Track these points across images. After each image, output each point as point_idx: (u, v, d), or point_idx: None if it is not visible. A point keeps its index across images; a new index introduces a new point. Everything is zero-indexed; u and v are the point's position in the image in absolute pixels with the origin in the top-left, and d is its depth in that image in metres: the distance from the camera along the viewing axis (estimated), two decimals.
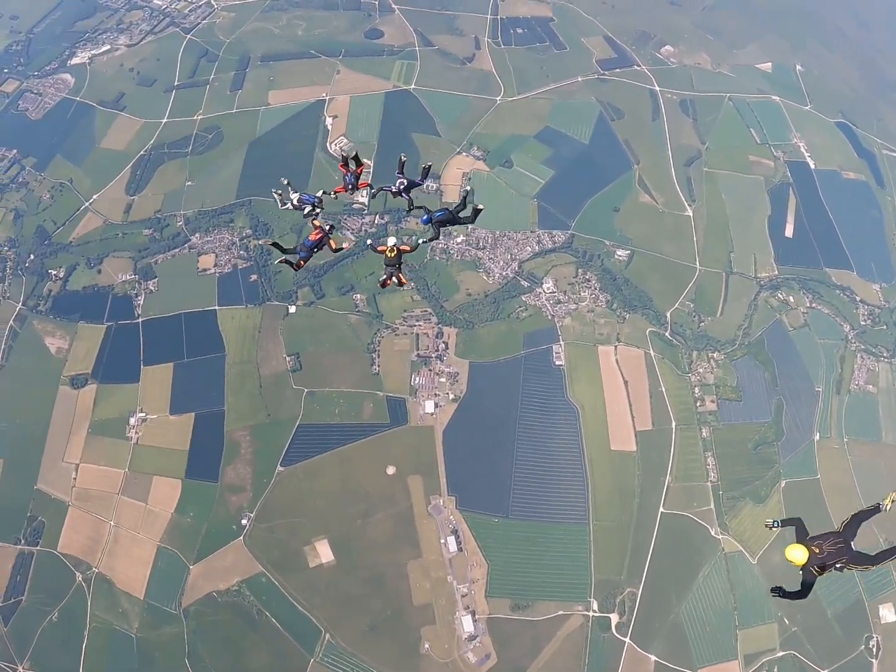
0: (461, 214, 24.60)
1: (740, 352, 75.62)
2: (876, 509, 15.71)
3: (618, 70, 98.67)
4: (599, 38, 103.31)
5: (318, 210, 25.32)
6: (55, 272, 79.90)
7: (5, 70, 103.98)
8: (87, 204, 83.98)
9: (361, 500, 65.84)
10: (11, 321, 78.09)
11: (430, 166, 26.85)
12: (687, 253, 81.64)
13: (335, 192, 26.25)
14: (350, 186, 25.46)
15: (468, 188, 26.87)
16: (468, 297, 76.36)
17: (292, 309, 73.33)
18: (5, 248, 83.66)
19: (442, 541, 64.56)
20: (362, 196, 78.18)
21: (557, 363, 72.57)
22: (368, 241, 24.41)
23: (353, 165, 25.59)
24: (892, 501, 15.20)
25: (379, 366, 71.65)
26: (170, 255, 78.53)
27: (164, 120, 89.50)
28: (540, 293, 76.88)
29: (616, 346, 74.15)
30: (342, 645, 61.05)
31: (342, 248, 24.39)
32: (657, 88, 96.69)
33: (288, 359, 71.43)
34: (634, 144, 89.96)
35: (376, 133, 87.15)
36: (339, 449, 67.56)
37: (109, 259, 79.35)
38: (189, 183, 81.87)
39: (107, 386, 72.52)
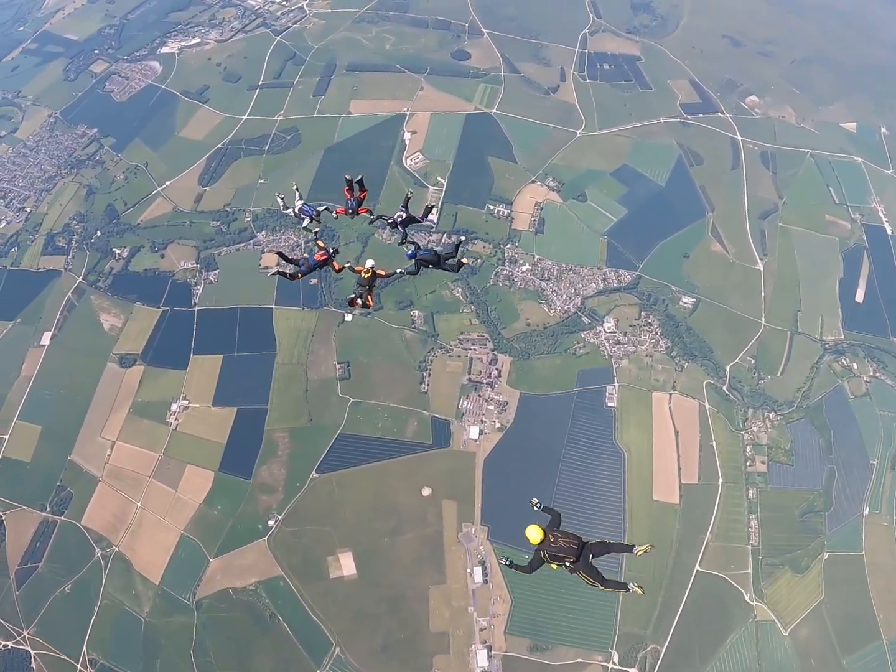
0: (448, 261, 26.57)
1: (797, 414, 76.96)
2: (629, 549, 20.01)
3: (701, 115, 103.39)
4: (685, 82, 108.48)
5: (314, 223, 28.09)
6: (119, 251, 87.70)
7: (96, 51, 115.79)
8: (159, 189, 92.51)
9: (392, 518, 68.89)
10: (70, 293, 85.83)
11: (432, 206, 30.72)
12: (753, 307, 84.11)
13: (336, 213, 28.75)
14: (351, 210, 27.94)
15: (462, 238, 30.44)
16: (527, 326, 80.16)
17: (349, 317, 78.72)
18: (74, 222, 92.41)
19: (468, 570, 66.95)
20: (432, 215, 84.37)
21: (609, 404, 75.27)
22: (347, 263, 27.20)
23: (356, 190, 28.00)
24: (645, 552, 19.25)
25: (428, 385, 75.52)
26: (234, 248, 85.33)
27: (245, 117, 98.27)
28: (600, 331, 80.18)
29: (671, 395, 76.47)
30: (351, 661, 63.48)
31: (352, 269, 26.02)
32: (739, 138, 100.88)
33: (338, 366, 76.15)
34: (711, 191, 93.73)
35: (453, 153, 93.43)
36: (377, 463, 71.19)
37: (174, 245, 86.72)
38: (262, 181, 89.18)
39: (154, 369, 78.58)
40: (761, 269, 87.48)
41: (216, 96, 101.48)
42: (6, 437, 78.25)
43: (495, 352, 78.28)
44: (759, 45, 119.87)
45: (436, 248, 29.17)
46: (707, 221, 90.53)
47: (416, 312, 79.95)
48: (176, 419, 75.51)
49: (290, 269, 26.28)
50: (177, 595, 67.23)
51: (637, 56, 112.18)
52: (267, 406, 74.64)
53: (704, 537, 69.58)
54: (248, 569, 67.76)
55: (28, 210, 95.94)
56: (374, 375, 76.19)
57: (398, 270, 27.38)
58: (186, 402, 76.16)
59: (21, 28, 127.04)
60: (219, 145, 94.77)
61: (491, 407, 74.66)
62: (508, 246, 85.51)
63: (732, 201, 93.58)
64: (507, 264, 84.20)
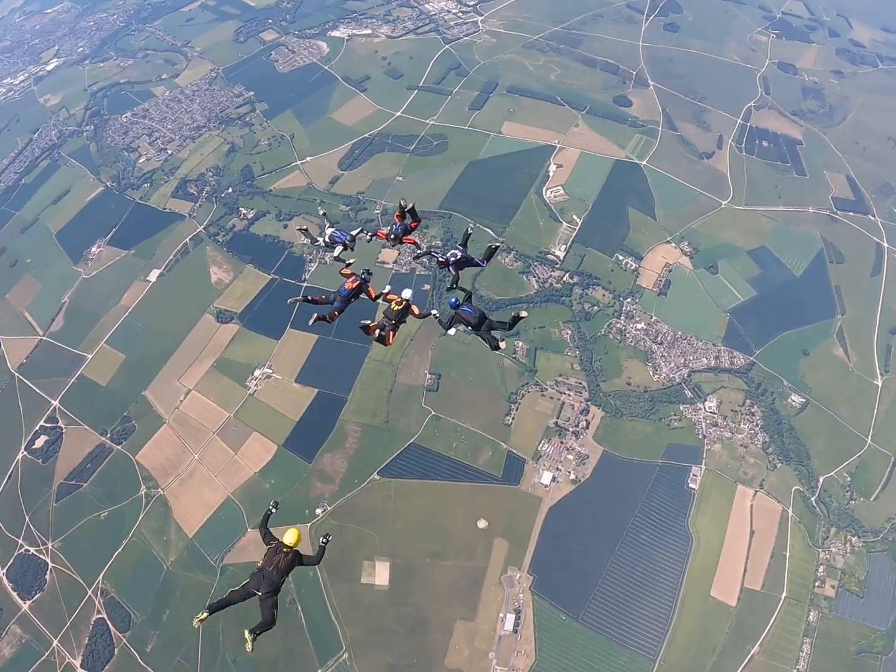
0: (491, 332, 25.72)
1: (881, 546, 76.82)
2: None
3: (851, 213, 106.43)
4: (842, 177, 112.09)
5: (347, 251, 28.95)
6: (245, 211, 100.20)
7: (269, 21, 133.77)
8: (298, 162, 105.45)
9: (440, 540, 73.94)
10: (188, 239, 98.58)
11: (496, 248, 29.55)
12: (862, 423, 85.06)
13: (377, 235, 30.05)
14: (394, 237, 29.11)
15: (524, 314, 27.13)
16: (627, 385, 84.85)
17: (452, 331, 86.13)
18: (210, 174, 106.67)
19: (501, 614, 70.53)
20: (559, 250, 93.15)
21: (691, 486, 78.27)
22: (387, 289, 27.25)
23: (408, 219, 29.39)
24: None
25: (513, 418, 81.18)
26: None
27: (398, 113, 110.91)
28: (700, 409, 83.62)
29: (756, 492, 78.45)
30: (356, 671, 68.13)
31: (384, 296, 26.68)
32: (885, 245, 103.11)
33: (428, 376, 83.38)
34: (845, 293, 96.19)
35: (594, 195, 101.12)
36: (440, 482, 76.91)
37: (299, 218, 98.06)
38: (399, 178, 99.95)
39: (248, 332, 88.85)
40: (879, 384, 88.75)
41: (375, 88, 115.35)
42: (89, 356, 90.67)
43: (589, 402, 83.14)
44: None
45: (486, 314, 26.48)
46: (834, 323, 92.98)
47: (521, 344, 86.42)
48: (256, 385, 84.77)
49: (325, 310, 26.36)
50: (205, 553, 74.44)
51: (798, 140, 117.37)
52: (348, 396, 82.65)
53: (752, 649, 70.43)
54: None
55: (169, 152, 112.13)
56: (461, 394, 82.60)
57: (433, 313, 27.49)
58: (270, 371, 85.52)
59: None
60: (366, 134, 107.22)
61: (570, 456, 79.24)
62: (628, 300, 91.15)
63: (865, 308, 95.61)
64: (622, 318, 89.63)
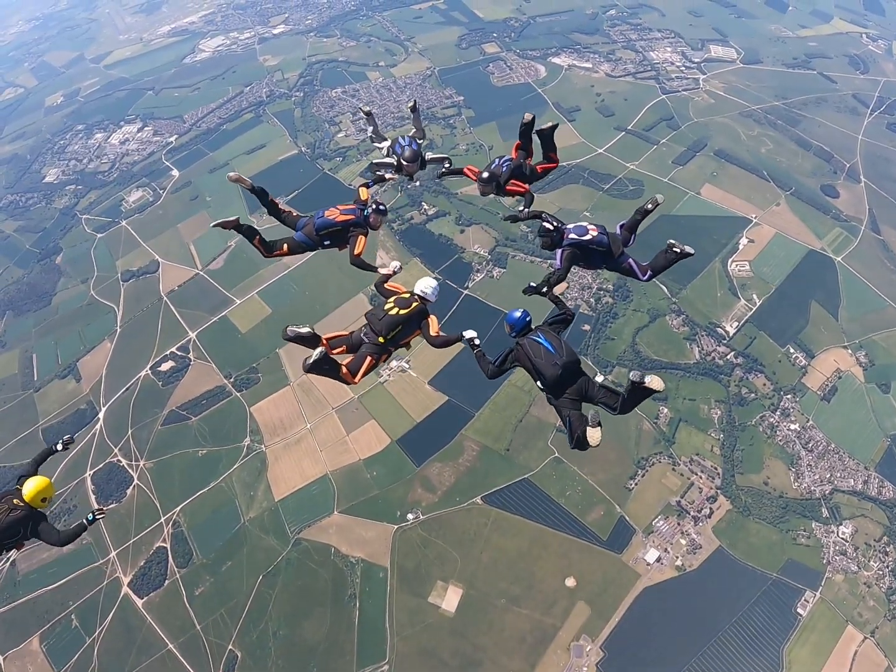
0: (605, 385, 16.14)
1: None
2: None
3: None
4: None
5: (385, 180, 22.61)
6: (427, 207, 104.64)
7: (494, 34, 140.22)
8: (445, 167, 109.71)
9: (521, 585, 71.85)
10: None
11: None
12: None
13: (464, 171, 22.09)
14: (487, 176, 20.57)
15: (658, 387, 14.88)
16: (764, 484, 79.77)
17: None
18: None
19: None
20: (730, 326, 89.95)
21: (799, 611, 71.93)
22: (396, 265, 19.42)
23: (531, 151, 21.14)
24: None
25: (636, 484, 78.52)
26: (530, 258, 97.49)
27: (601, 150, 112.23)
28: (832, 532, 77.16)
29: (865, 638, 70.75)
30: None
31: (384, 280, 18.76)
32: None
33: None
34: None
35: (780, 279, 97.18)
36: (542, 526, 75.05)
37: (477, 227, 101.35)
38: (586, 213, 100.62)
39: None
40: None
41: (583, 120, 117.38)
42: (238, 301, 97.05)
43: (720, 491, 78.94)
44: None
45: (579, 359, 16.07)
46: None
47: (665, 410, 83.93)
48: (388, 376, 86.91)
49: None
50: (285, 521, 76.32)
51: None
52: (476, 413, 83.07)
53: None
54: (363, 542, 74.83)
55: (368, 134, 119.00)
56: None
57: (467, 336, 17.53)
58: (407, 366, 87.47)
59: None
60: (564, 163, 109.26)
61: (683, 541, 75.21)
62: (789, 396, 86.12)
63: None
64: (777, 413, 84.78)
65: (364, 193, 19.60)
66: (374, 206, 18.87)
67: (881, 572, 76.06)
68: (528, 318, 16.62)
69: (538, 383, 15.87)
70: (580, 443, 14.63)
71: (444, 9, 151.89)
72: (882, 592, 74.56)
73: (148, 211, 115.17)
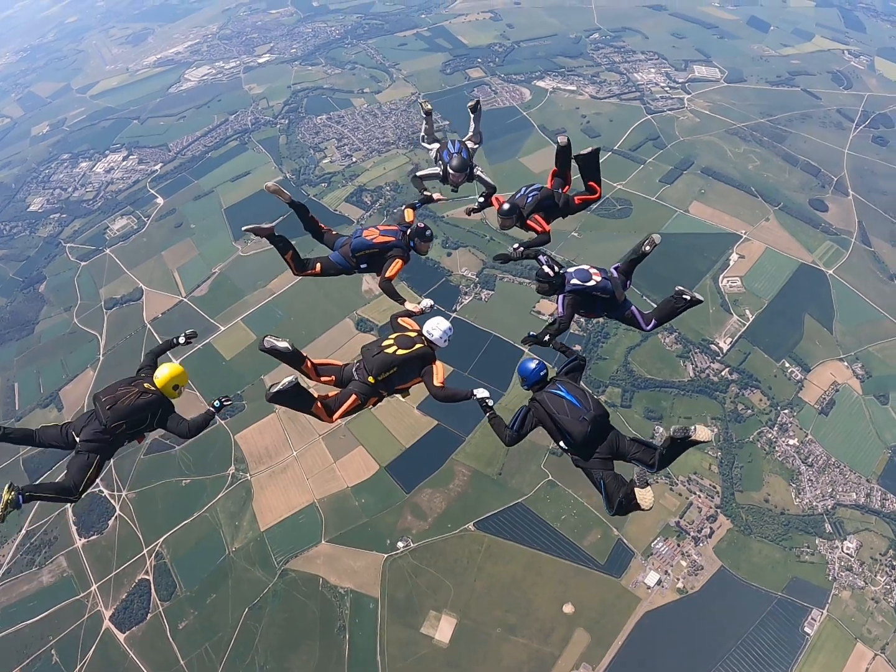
0: (636, 439, 14.33)
1: None
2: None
3: None
4: None
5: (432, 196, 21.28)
6: (421, 226, 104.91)
7: (478, 59, 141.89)
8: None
9: (517, 613, 69.98)
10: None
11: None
12: None
13: (491, 199, 21.61)
14: (509, 209, 19.48)
15: (705, 436, 12.51)
16: (765, 502, 78.67)
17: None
18: (388, 188, 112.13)
19: None
20: (723, 342, 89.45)
21: (806, 630, 70.34)
22: (428, 303, 17.64)
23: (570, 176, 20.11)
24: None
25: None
26: (518, 280, 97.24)
27: None
28: (836, 547, 76.03)
29: (876, 655, 69.09)
30: None
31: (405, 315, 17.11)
32: None
33: None
34: None
35: (772, 294, 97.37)
36: (536, 551, 73.54)
37: (464, 250, 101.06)
38: (574, 234, 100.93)
39: None
40: None
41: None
42: (222, 328, 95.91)
43: (719, 510, 77.77)
44: None
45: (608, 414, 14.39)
46: None
47: (661, 430, 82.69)
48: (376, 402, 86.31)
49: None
50: (271, 551, 74.51)
51: None
52: (466, 437, 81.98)
53: None
54: (352, 572, 73.05)
55: (353, 159, 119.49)
56: None
57: (477, 394, 16.26)
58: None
59: (423, 16, 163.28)
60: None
61: (684, 563, 73.86)
62: (786, 411, 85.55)
63: None
64: (775, 428, 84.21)
65: (409, 215, 18.71)
66: (419, 231, 17.90)
67: (888, 587, 74.96)
68: (543, 371, 15.17)
69: (561, 444, 14.39)
70: (623, 508, 12.87)
71: (428, 36, 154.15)
72: (890, 607, 73.34)
73: (132, 239, 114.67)
